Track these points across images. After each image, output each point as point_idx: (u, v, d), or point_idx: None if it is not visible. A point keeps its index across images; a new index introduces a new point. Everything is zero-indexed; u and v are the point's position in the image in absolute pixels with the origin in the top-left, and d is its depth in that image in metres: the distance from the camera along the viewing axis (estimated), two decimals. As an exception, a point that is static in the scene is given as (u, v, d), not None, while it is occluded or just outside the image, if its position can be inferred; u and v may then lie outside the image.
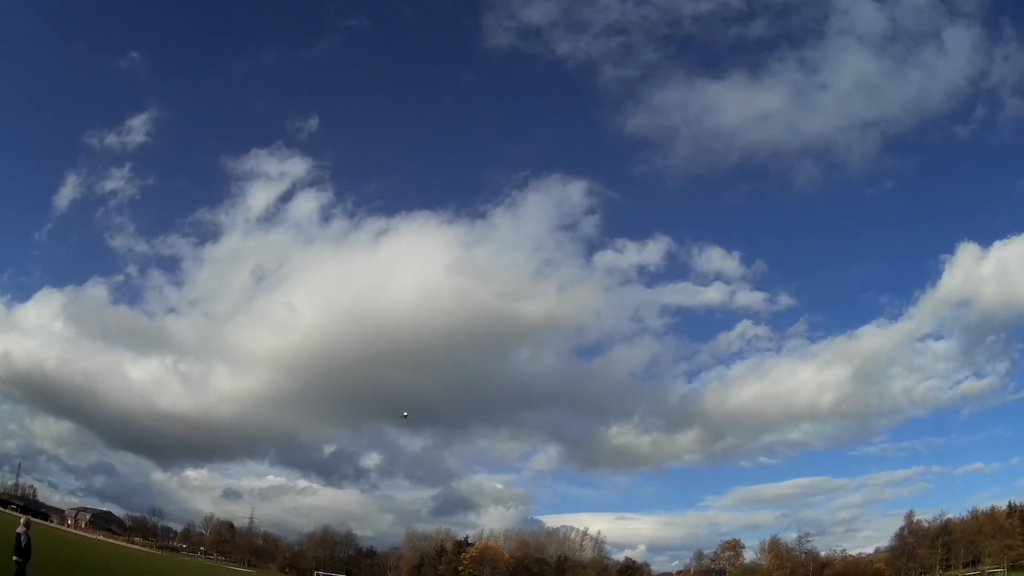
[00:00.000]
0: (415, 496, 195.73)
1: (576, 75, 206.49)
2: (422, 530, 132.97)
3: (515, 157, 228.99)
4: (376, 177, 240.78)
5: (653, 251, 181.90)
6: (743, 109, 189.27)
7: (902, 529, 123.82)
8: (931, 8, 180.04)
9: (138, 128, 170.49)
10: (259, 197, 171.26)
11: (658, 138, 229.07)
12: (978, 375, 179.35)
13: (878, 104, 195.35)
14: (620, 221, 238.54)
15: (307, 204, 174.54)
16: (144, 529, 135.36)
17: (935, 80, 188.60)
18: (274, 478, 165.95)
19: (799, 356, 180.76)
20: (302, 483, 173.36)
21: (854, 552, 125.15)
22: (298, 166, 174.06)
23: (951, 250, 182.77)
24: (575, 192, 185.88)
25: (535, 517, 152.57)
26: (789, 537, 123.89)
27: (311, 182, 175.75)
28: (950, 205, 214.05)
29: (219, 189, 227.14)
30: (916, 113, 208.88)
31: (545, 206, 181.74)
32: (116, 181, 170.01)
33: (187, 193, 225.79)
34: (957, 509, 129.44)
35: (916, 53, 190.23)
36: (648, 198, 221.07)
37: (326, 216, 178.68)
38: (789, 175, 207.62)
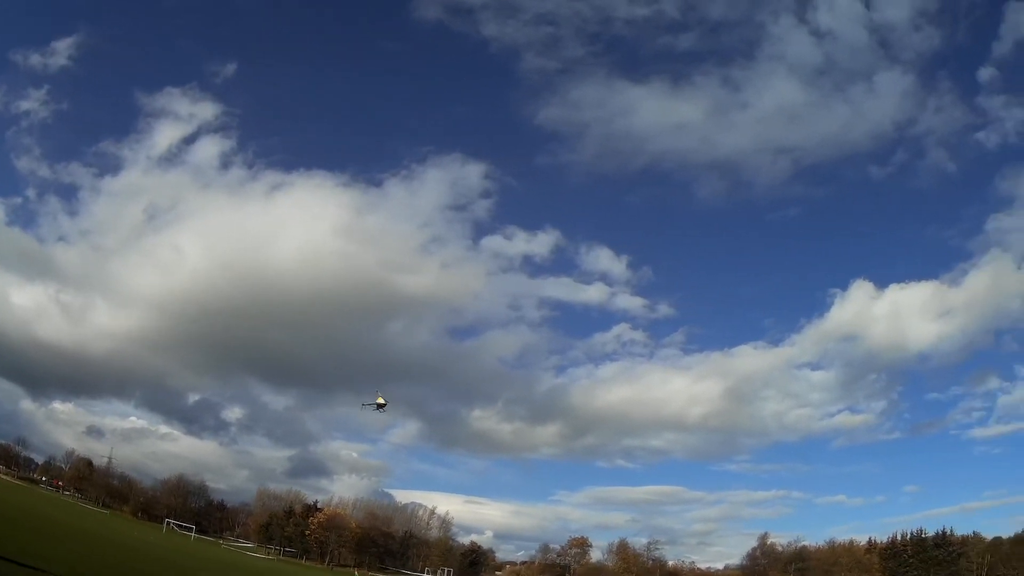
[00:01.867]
0: (272, 455, 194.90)
1: (498, 59, 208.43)
2: (274, 489, 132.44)
3: (421, 131, 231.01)
4: (282, 131, 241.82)
5: (542, 243, 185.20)
6: (658, 116, 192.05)
7: (755, 549, 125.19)
8: (869, 50, 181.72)
9: (62, 51, 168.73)
10: (165, 135, 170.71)
11: (567, 132, 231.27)
12: (853, 410, 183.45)
13: (797, 132, 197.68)
14: (514, 208, 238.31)
15: (209, 149, 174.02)
16: (7, 457, 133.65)
17: (860, 119, 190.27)
18: (137, 420, 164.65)
19: (672, 366, 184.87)
20: (163, 428, 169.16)
21: (703, 566, 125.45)
22: (207, 110, 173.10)
23: (845, 285, 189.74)
24: (473, 173, 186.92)
25: (386, 490, 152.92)
26: (638, 542, 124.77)
27: (217, 127, 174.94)
28: (852, 242, 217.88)
29: (127, 123, 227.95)
30: (834, 147, 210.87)
31: (441, 183, 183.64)
32: (32, 102, 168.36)
33: (96, 123, 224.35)
34: (815, 537, 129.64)
35: (845, 90, 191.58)
36: (546, 190, 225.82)
37: (226, 163, 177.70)
38: (693, 187, 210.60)
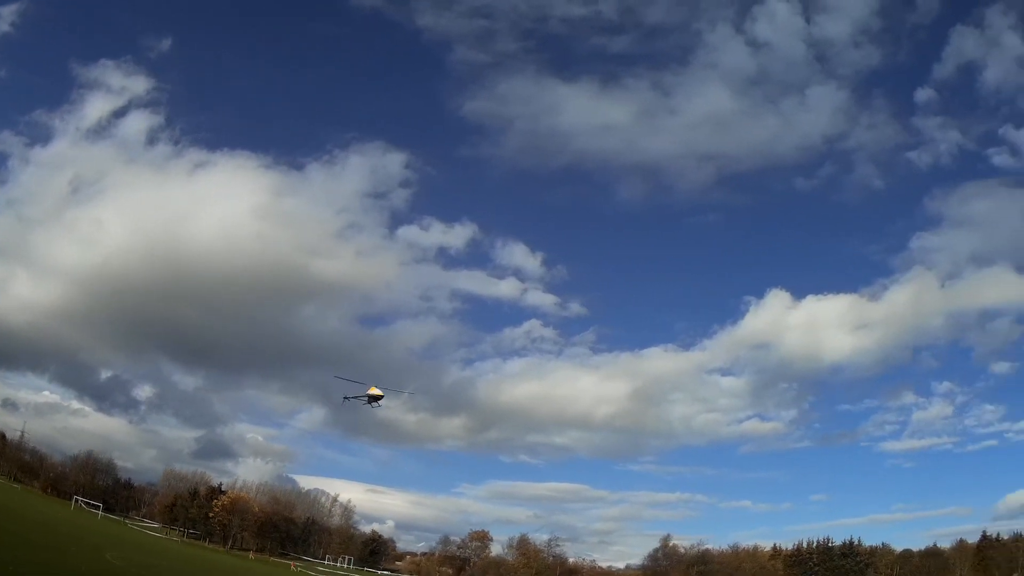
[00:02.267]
0: (180, 435, 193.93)
1: (430, 49, 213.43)
2: (180, 470, 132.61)
3: (347, 116, 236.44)
4: (210, 108, 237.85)
5: (458, 235, 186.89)
6: (585, 116, 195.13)
7: (657, 551, 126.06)
8: (805, 63, 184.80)
9: (6, 17, 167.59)
10: (96, 108, 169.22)
11: (492, 126, 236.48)
12: (763, 417, 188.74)
13: (723, 140, 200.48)
14: (432, 199, 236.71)
15: (138, 123, 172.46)
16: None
17: (789, 131, 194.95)
18: (50, 395, 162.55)
19: (581, 364, 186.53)
20: (75, 404, 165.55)
21: (604, 564, 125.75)
22: (140, 84, 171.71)
23: (760, 293, 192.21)
24: (394, 162, 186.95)
25: (290, 475, 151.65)
26: (540, 538, 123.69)
27: (148, 102, 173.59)
28: (771, 251, 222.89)
29: (61, 93, 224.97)
30: (760, 157, 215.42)
31: (362, 170, 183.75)
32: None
33: (31, 91, 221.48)
34: (718, 541, 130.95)
35: (776, 101, 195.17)
36: (466, 182, 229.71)
37: (152, 139, 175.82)
38: (613, 188, 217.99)
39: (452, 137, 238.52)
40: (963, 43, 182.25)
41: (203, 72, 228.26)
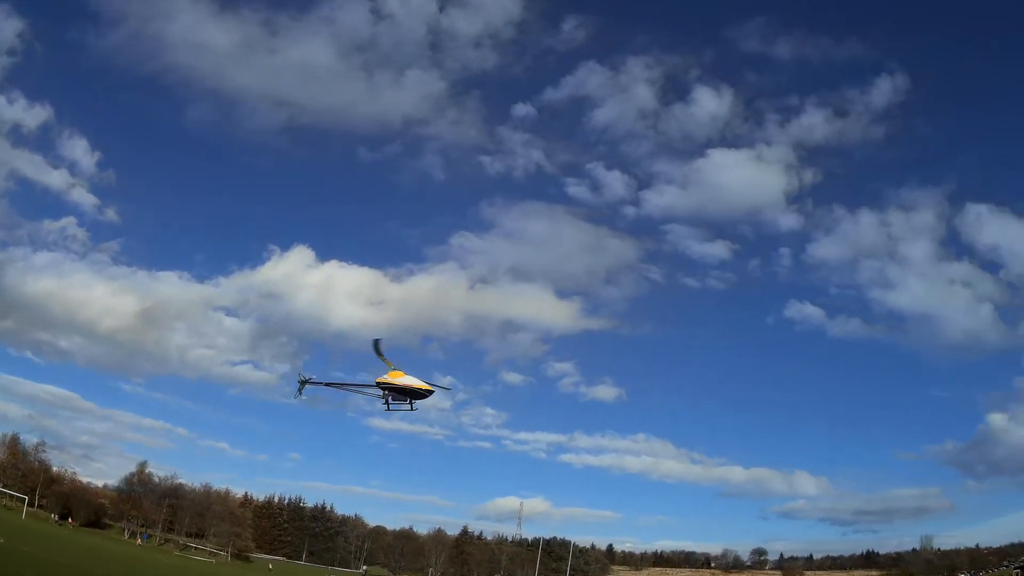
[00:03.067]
0: None
1: None
2: None
3: None
4: None
5: (36, 115, 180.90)
6: (191, 31, 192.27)
7: (133, 475, 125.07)
8: (416, 46, 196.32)
9: None
10: None
11: (107, 17, 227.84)
12: (257, 366, 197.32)
13: (305, 91, 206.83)
14: (26, 73, 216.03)
15: None
16: None
17: (371, 102, 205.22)
18: None
19: (100, 272, 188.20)
20: None
21: (85, 480, 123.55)
22: None
23: (287, 246, 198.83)
24: (9, 28, 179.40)
25: None
26: (30, 441, 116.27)
27: None
28: (307, 208, 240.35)
29: None
30: (332, 117, 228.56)
31: None
32: None
33: None
34: (192, 478, 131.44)
35: (373, 72, 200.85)
36: (63, 65, 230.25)
37: None
38: (186, 108, 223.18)
39: (69, 18, 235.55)
40: (589, 78, 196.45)
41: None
